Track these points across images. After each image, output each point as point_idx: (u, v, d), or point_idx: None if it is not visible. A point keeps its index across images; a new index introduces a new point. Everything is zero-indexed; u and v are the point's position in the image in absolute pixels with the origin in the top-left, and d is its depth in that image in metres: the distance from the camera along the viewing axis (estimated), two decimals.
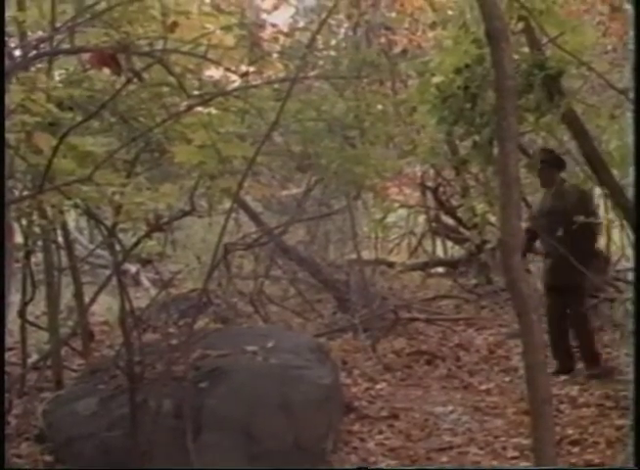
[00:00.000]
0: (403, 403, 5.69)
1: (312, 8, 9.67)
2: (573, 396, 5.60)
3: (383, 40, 8.98)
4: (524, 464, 4.33)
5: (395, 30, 9.06)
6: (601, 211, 10.52)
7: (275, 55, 5.54)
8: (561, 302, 6.20)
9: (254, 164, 4.04)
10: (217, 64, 4.06)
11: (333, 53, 7.86)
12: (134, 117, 4.77)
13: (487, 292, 9.62)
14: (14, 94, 3.30)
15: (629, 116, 4.49)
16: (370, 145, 6.60)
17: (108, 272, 6.32)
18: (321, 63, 6.91)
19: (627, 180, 4.79)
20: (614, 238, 10.97)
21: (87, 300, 5.59)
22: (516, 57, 4.88)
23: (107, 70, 3.41)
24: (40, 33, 4.50)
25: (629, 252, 8.03)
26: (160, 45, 3.72)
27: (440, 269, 11.89)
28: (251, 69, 4.34)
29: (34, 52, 3.95)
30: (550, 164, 6.10)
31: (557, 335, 6.24)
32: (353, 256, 9.26)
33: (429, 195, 10.96)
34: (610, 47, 6.68)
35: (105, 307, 7.76)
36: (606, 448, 4.52)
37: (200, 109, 3.94)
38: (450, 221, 11.31)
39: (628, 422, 4.41)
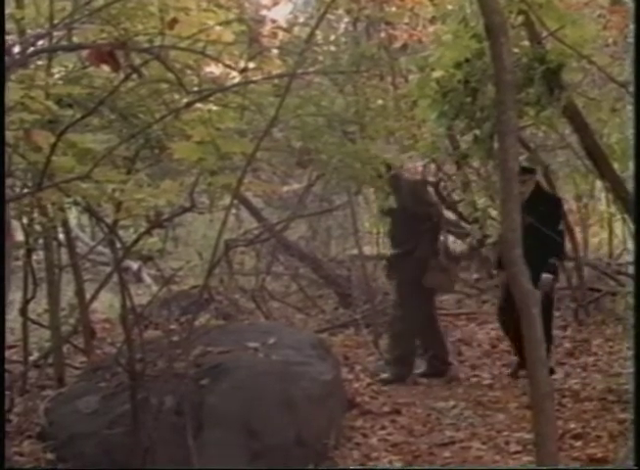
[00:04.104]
0: (405, 399, 5.69)
1: (312, 4, 9.63)
2: (576, 389, 5.60)
3: (383, 35, 8.94)
4: (526, 459, 4.32)
5: (395, 25, 9.02)
6: (602, 205, 10.54)
7: (274, 50, 5.52)
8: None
9: (255, 159, 4.02)
10: (216, 60, 4.04)
11: (332, 48, 7.83)
12: (133, 113, 4.75)
13: (489, 286, 9.60)
14: (12, 91, 3.28)
15: (630, 109, 4.49)
16: (370, 140, 6.57)
17: (109, 269, 6.32)
18: (321, 58, 6.87)
19: (628, 173, 4.78)
20: (615, 231, 10.98)
21: (88, 297, 5.59)
22: (516, 51, 4.88)
23: (106, 67, 3.39)
24: (39, 30, 4.49)
25: (631, 245, 8.03)
26: (158, 42, 3.71)
27: None
28: (251, 64, 4.32)
29: (32, 49, 3.94)
30: None
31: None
32: (355, 251, 9.23)
33: (430, 190, 10.91)
34: (610, 40, 6.64)
35: (106, 305, 7.77)
36: (608, 442, 4.51)
37: (199, 105, 3.93)
38: (451, 216, 11.27)
39: (630, 416, 4.41)
